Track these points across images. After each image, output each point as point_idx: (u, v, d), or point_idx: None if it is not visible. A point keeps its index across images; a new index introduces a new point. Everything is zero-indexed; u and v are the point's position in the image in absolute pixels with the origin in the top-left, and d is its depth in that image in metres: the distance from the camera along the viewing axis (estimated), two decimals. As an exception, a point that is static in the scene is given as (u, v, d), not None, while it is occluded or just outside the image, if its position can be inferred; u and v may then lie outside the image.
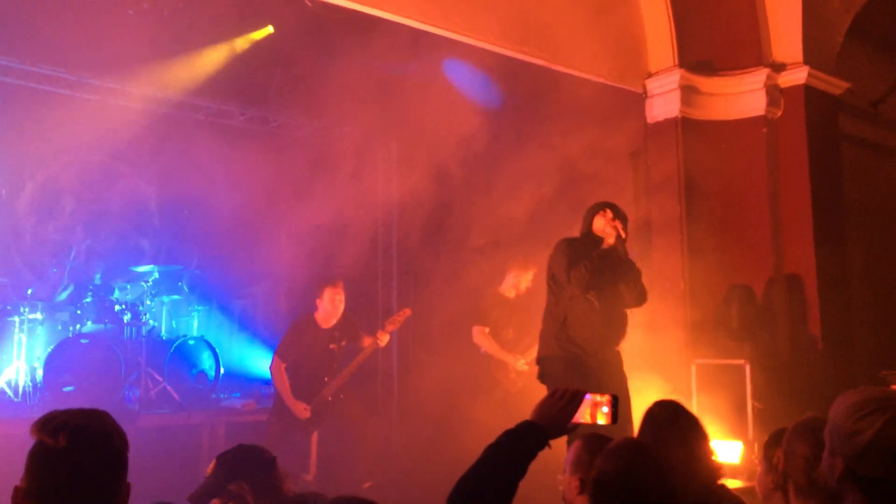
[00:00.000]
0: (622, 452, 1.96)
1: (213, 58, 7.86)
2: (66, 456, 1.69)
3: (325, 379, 6.24)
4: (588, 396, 2.09)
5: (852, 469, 1.57)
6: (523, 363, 6.60)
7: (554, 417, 2.03)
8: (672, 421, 2.77)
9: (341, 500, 1.93)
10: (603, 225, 4.95)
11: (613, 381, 4.87)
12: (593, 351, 4.85)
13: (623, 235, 4.85)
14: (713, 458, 2.83)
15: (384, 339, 6.31)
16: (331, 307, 6.25)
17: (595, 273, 4.75)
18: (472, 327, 6.80)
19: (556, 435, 2.03)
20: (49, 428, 1.73)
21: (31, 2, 7.07)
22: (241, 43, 7.97)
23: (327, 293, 6.24)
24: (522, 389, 6.60)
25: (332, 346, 6.27)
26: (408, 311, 6.74)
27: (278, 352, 6.18)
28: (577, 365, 4.78)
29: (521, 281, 6.78)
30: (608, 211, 4.99)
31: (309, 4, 6.38)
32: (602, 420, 2.07)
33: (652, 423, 2.79)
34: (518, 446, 1.96)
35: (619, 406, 2.19)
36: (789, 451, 2.17)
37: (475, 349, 7.13)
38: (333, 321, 6.30)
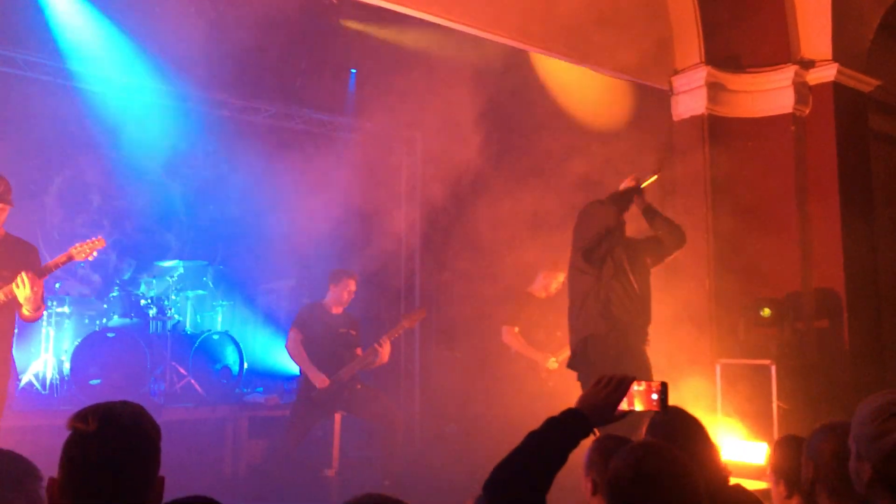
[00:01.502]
0: (637, 453, 1.93)
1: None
2: (97, 439, 1.71)
3: (346, 356, 6.27)
4: (636, 384, 2.03)
5: (880, 472, 1.54)
6: (554, 362, 6.62)
7: (599, 405, 1.99)
8: (673, 426, 2.74)
9: (364, 499, 1.93)
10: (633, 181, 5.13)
11: (639, 358, 4.91)
12: (634, 327, 4.89)
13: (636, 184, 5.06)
14: (719, 458, 2.80)
15: (385, 349, 6.27)
16: (345, 296, 6.38)
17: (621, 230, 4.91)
18: (502, 327, 6.82)
19: (602, 423, 2.00)
20: (81, 415, 1.76)
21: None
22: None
23: (345, 282, 6.35)
24: (553, 389, 6.61)
25: (342, 329, 6.35)
26: (423, 312, 6.83)
27: (294, 325, 6.29)
28: (618, 345, 4.78)
29: (552, 283, 6.81)
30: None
31: (334, 1, 6.39)
32: (650, 407, 2.01)
33: (653, 429, 2.77)
34: (560, 434, 1.93)
35: (637, 413, 2.15)
36: (816, 454, 2.13)
37: (499, 347, 7.12)
38: (341, 309, 6.41)
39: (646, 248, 5.15)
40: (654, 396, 2.02)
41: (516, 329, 6.73)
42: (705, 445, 2.70)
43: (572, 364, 5.01)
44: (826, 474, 2.06)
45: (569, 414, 1.98)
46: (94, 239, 5.00)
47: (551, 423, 1.96)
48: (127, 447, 1.73)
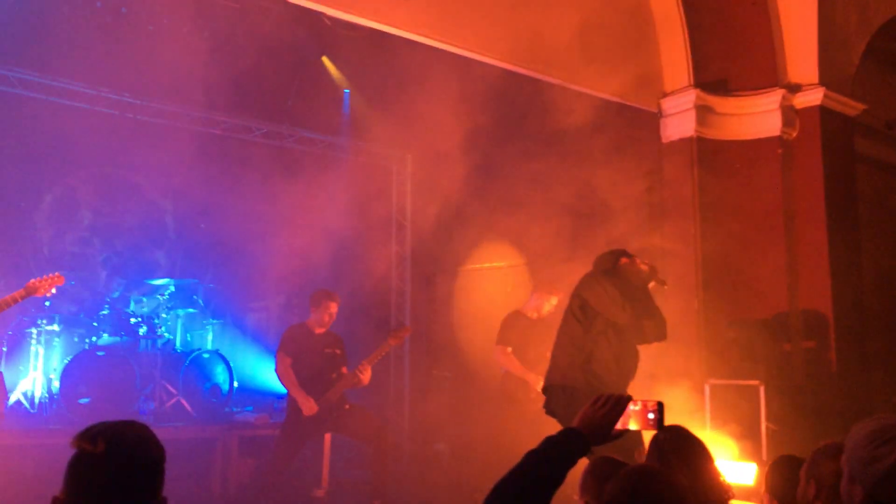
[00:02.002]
0: (632, 477, 1.96)
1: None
2: (105, 461, 1.72)
3: (333, 376, 6.25)
4: (632, 403, 2.07)
5: (872, 496, 1.57)
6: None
7: (597, 424, 2.02)
8: (677, 445, 2.78)
9: None
10: (629, 266, 5.09)
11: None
12: (612, 384, 4.86)
13: (652, 270, 5.08)
14: (721, 479, 2.84)
15: (367, 373, 6.25)
16: (326, 317, 6.37)
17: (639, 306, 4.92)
18: (495, 346, 6.81)
19: (599, 442, 2.03)
20: (88, 435, 1.77)
21: (51, 17, 7.18)
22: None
23: (325, 304, 6.34)
24: (542, 409, 6.61)
25: (327, 350, 6.34)
26: (408, 330, 6.88)
27: (281, 349, 6.26)
28: (587, 389, 4.77)
29: (545, 304, 6.81)
30: (634, 257, 5.16)
31: (328, 23, 6.44)
32: (646, 426, 2.05)
33: (657, 448, 2.80)
34: (558, 452, 1.96)
35: (632, 435, 2.17)
36: (818, 474, 2.16)
37: (489, 367, 7.14)
38: (324, 329, 6.41)
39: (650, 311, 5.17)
40: (651, 416, 2.06)
41: (509, 349, 6.74)
42: (708, 464, 2.74)
43: (548, 408, 5.01)
44: (827, 494, 2.09)
45: (567, 433, 2.02)
46: (52, 275, 5.04)
47: (550, 441, 1.99)
48: (133, 469, 1.75)
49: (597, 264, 5.20)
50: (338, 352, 6.40)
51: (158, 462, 1.82)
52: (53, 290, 5.00)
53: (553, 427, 6.09)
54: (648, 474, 1.99)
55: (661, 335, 5.14)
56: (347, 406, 6.27)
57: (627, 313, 4.84)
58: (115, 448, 1.75)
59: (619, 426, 2.05)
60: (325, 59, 8.41)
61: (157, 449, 1.83)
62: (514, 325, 6.80)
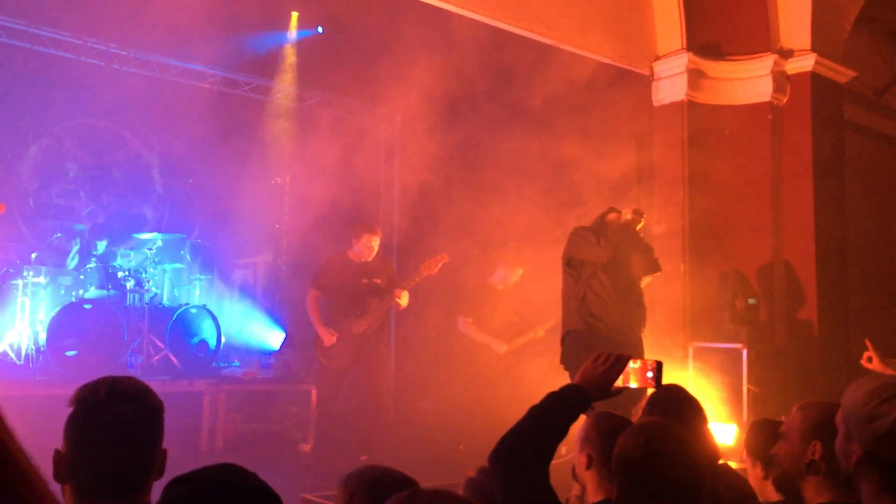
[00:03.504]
0: (645, 432, 2.01)
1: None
2: (107, 408, 1.73)
3: (357, 312, 6.24)
4: (632, 361, 2.12)
5: (871, 454, 1.61)
6: (505, 348, 6.98)
7: (597, 380, 2.08)
8: (674, 404, 2.83)
9: (366, 471, 1.98)
10: (616, 217, 5.29)
11: (630, 344, 5.08)
12: (614, 324, 5.01)
13: (637, 214, 5.22)
14: (713, 440, 2.90)
15: (404, 297, 6.27)
16: (365, 250, 6.32)
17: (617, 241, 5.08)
18: (458, 317, 7.10)
19: (599, 398, 2.09)
20: (88, 388, 1.78)
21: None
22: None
23: (365, 237, 6.31)
24: (504, 374, 6.85)
25: (364, 280, 6.29)
26: (445, 257, 6.52)
27: (313, 283, 6.33)
28: (599, 340, 4.89)
29: (511, 276, 7.14)
30: (622, 211, 5.34)
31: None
32: (644, 384, 2.11)
33: (652, 405, 2.85)
34: (561, 407, 2.03)
35: (631, 393, 2.21)
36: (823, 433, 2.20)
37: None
38: (366, 260, 6.36)
39: (636, 246, 5.34)
40: (650, 374, 2.11)
41: (470, 319, 7.04)
42: (702, 425, 2.79)
43: (561, 360, 5.21)
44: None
45: (570, 388, 2.08)
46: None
47: (553, 396, 2.06)
48: (136, 417, 1.76)
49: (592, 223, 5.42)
50: (378, 281, 6.33)
51: (159, 411, 1.84)
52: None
53: (518, 386, 6.25)
54: (664, 431, 2.04)
55: (651, 266, 5.35)
56: (374, 339, 6.26)
57: (603, 249, 5.05)
58: (117, 396, 1.76)
59: (618, 383, 2.10)
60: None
61: (156, 399, 1.85)
62: (481, 296, 7.15)
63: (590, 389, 2.07)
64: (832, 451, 1.80)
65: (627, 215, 5.23)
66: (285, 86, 8.61)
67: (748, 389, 6.26)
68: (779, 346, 6.98)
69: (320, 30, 8.28)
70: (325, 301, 6.31)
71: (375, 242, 6.34)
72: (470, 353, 7.29)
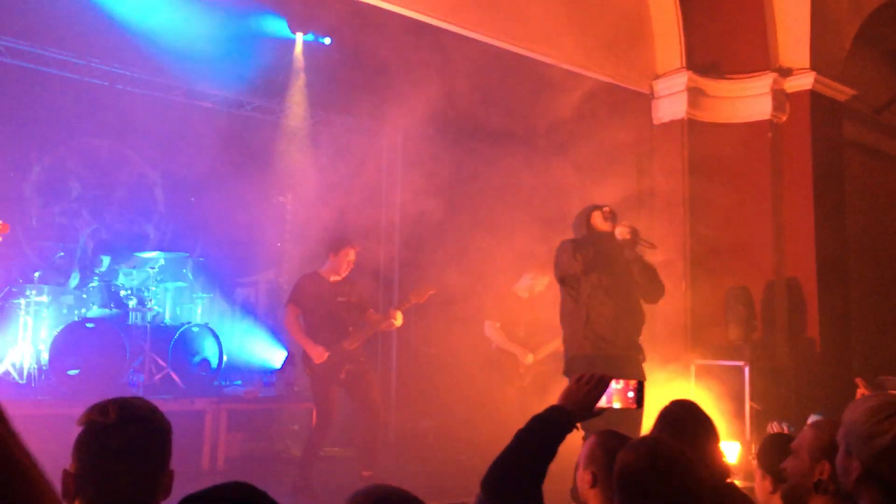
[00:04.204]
0: (646, 446, 2.03)
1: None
2: (116, 429, 1.76)
3: (349, 329, 6.12)
4: (614, 382, 2.14)
5: (871, 471, 1.62)
6: (531, 357, 6.87)
7: (580, 401, 2.10)
8: (688, 420, 2.82)
9: (374, 490, 1.98)
10: (601, 220, 5.05)
11: (629, 370, 4.98)
12: (622, 345, 4.93)
13: (635, 234, 4.92)
14: (723, 458, 2.89)
15: (398, 317, 6.14)
16: (343, 265, 6.19)
17: (600, 256, 4.87)
18: (485, 321, 7.00)
19: (583, 418, 2.11)
20: (98, 408, 1.80)
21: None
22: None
23: (346, 251, 6.17)
24: (530, 384, 6.79)
25: (340, 298, 6.17)
26: (433, 289, 6.45)
27: (290, 300, 6.12)
28: (609, 362, 4.78)
29: (536, 284, 7.03)
30: (606, 208, 5.11)
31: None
32: (626, 404, 2.13)
33: (665, 420, 2.84)
34: (547, 429, 2.05)
35: (632, 413, 2.23)
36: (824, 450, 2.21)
37: (477, 344, 7.24)
38: (339, 278, 6.24)
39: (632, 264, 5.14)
40: (630, 394, 2.13)
41: (498, 324, 6.91)
42: (713, 443, 2.78)
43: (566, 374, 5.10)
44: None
45: (553, 410, 2.10)
46: None
47: (538, 419, 2.08)
48: (145, 437, 1.78)
49: (575, 230, 5.22)
50: (353, 300, 6.24)
51: (167, 432, 1.86)
52: None
53: (536, 402, 6.22)
54: (665, 445, 2.05)
55: (657, 294, 5.11)
56: (362, 360, 6.14)
57: (578, 263, 4.84)
58: (127, 416, 1.78)
59: (601, 404, 2.12)
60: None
61: (164, 420, 1.88)
62: (506, 303, 6.99)
63: (574, 410, 2.08)
64: None
65: (625, 232, 4.92)
66: (288, 105, 8.67)
67: (751, 407, 6.25)
68: (781, 363, 6.98)
69: (328, 41, 8.32)
70: (303, 320, 6.15)
71: (354, 257, 6.24)
72: (481, 368, 7.23)
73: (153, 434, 1.80)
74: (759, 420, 6.18)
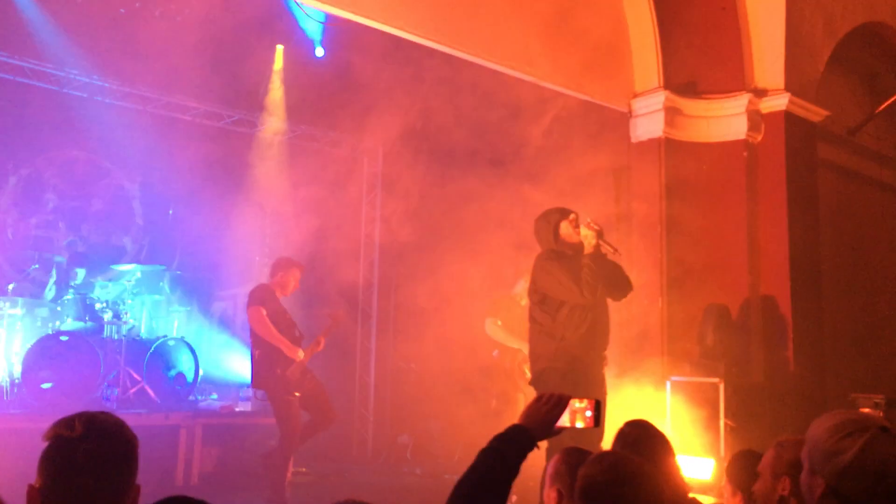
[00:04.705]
0: (607, 459, 2.05)
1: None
2: (83, 443, 1.74)
3: (302, 342, 6.12)
4: (573, 400, 2.17)
5: (834, 488, 1.64)
6: None
7: (540, 421, 2.14)
8: (642, 439, 2.86)
9: None
10: (571, 230, 5.03)
11: (597, 384, 5.00)
12: (593, 361, 4.96)
13: (599, 235, 4.93)
14: (681, 474, 2.94)
15: (322, 343, 6.18)
16: (291, 284, 6.25)
17: (597, 277, 4.87)
18: (485, 319, 6.96)
19: (543, 437, 2.14)
20: (64, 423, 1.79)
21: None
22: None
23: (294, 271, 6.25)
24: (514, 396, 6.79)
25: (288, 314, 6.23)
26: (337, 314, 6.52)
27: (256, 302, 6.02)
28: (571, 373, 4.84)
29: None
30: (573, 216, 5.07)
31: (305, 12, 6.43)
32: (584, 423, 2.16)
33: (623, 441, 2.88)
34: (508, 448, 2.07)
35: (595, 430, 2.25)
36: (792, 469, 2.24)
37: (452, 361, 7.25)
38: (285, 296, 6.30)
39: (610, 275, 5.14)
40: (588, 413, 2.16)
41: (499, 322, 6.92)
42: (669, 458, 2.82)
43: (537, 387, 5.06)
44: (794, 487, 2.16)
45: (514, 430, 2.13)
46: None
47: (499, 438, 2.10)
48: (111, 452, 1.77)
49: (540, 239, 5.16)
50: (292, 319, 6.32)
51: (134, 447, 1.85)
52: None
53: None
54: (626, 458, 2.07)
55: (626, 287, 5.13)
56: (310, 374, 6.16)
57: (583, 294, 4.83)
58: (92, 431, 1.77)
59: (559, 423, 2.16)
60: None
61: (131, 434, 1.87)
62: (504, 305, 6.99)
63: (534, 429, 2.11)
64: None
65: (592, 242, 4.90)
66: (268, 118, 8.67)
67: (725, 424, 6.28)
68: (755, 381, 7.03)
69: (321, 53, 8.33)
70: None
71: (299, 276, 6.33)
72: (457, 380, 7.22)
73: (119, 449, 1.79)
74: (734, 437, 6.21)
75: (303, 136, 9.12)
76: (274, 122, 8.72)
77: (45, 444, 1.77)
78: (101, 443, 1.76)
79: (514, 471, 2.04)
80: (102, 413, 1.86)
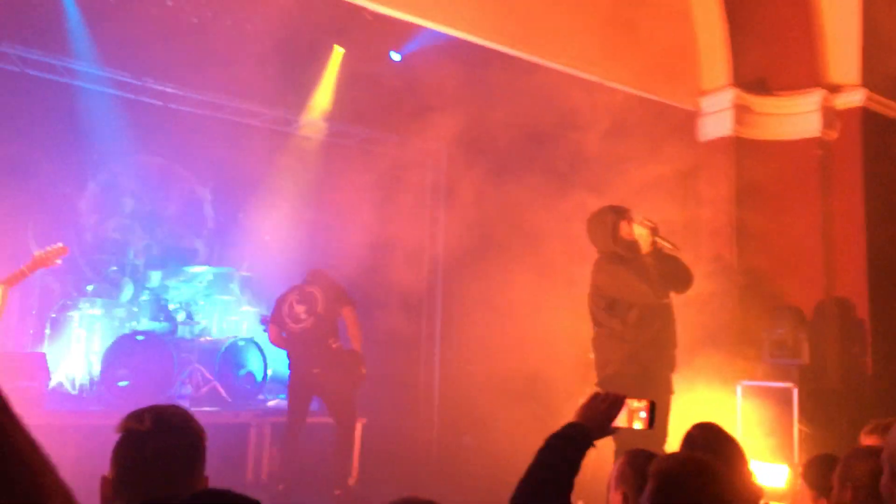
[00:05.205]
0: (681, 455, 2.02)
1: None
2: (152, 437, 1.80)
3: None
4: (628, 400, 2.15)
5: None
6: None
7: (597, 419, 2.13)
8: (711, 443, 2.79)
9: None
10: (629, 230, 4.91)
11: (665, 387, 4.90)
12: (659, 361, 4.87)
13: (654, 231, 4.82)
14: (754, 480, 2.85)
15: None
16: None
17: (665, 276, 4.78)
18: None
19: (600, 436, 2.13)
20: (134, 416, 1.85)
21: (100, 9, 7.33)
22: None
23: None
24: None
25: None
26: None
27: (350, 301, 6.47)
28: (642, 376, 4.74)
29: None
30: (629, 215, 4.94)
31: (369, 18, 6.51)
32: (639, 425, 2.14)
33: (691, 444, 2.81)
34: (567, 446, 2.06)
35: (658, 432, 2.21)
36: (854, 476, 2.17)
37: (517, 363, 7.23)
38: None
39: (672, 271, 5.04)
40: (643, 414, 2.14)
41: None
42: (741, 464, 2.75)
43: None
44: (865, 496, 2.10)
45: (571, 427, 2.12)
46: (55, 246, 5.16)
47: (557, 436, 2.09)
48: (179, 445, 1.83)
49: (596, 242, 5.04)
50: None
51: (201, 440, 1.90)
52: (59, 261, 5.15)
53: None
54: (698, 456, 2.04)
55: (688, 283, 4.95)
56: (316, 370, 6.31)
57: (655, 293, 4.74)
58: (161, 424, 1.83)
59: (615, 423, 2.14)
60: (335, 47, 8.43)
61: (199, 427, 1.92)
62: None
63: (591, 427, 2.10)
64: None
65: (643, 225, 4.79)
66: (332, 124, 8.79)
67: (799, 430, 6.11)
68: (831, 385, 6.82)
69: (398, 57, 8.39)
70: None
71: None
72: (514, 388, 7.20)
73: (187, 442, 1.85)
74: (808, 443, 6.04)
75: (367, 140, 9.21)
76: (337, 127, 8.84)
77: (117, 437, 1.83)
78: (170, 436, 1.82)
79: (574, 469, 2.03)
80: (172, 406, 1.92)
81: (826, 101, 7.18)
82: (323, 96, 8.63)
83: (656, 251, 4.85)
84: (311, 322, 6.35)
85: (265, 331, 6.62)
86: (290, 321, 6.36)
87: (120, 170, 8.26)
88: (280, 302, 6.48)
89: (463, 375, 9.10)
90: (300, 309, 6.39)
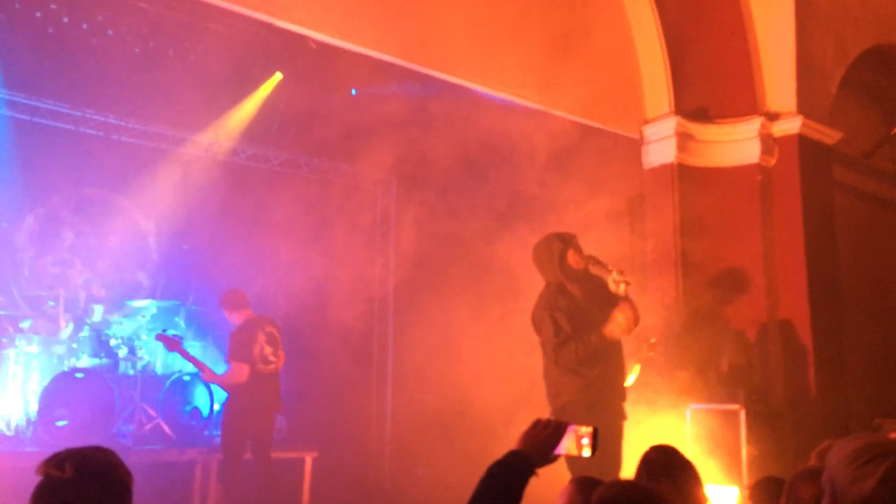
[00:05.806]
0: (621, 484, 2.00)
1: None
2: (72, 485, 1.71)
3: None
4: (571, 427, 2.12)
5: None
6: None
7: (539, 446, 2.09)
8: (668, 465, 2.80)
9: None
10: (577, 258, 4.80)
11: (618, 415, 4.87)
12: (616, 390, 4.83)
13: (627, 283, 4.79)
14: (707, 500, 2.87)
15: None
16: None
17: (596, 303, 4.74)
18: None
19: (542, 464, 2.10)
20: (54, 461, 1.76)
21: (36, 39, 7.19)
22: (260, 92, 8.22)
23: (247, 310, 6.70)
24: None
25: None
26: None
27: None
28: (597, 409, 4.64)
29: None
30: (576, 242, 4.85)
31: (314, 47, 6.51)
32: (585, 452, 2.11)
33: (649, 468, 2.82)
34: (509, 474, 2.02)
35: (609, 442, 2.19)
36: (793, 498, 2.19)
37: (472, 392, 7.19)
38: None
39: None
40: (585, 441, 2.11)
41: None
42: (696, 487, 2.76)
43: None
44: None
45: (513, 455, 2.08)
46: None
47: (498, 464, 2.06)
48: (102, 494, 1.74)
49: (543, 270, 4.92)
50: None
51: (127, 487, 1.82)
52: None
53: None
54: (639, 485, 2.02)
55: (632, 325, 4.78)
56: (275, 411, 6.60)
57: (604, 324, 4.67)
58: (83, 473, 1.74)
59: (557, 450, 2.11)
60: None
61: (125, 473, 1.83)
62: None
63: (532, 455, 2.07)
64: None
65: (583, 259, 4.76)
66: (278, 152, 8.72)
67: (747, 451, 6.17)
68: (776, 408, 6.92)
69: (353, 92, 8.37)
70: None
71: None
72: (467, 419, 7.15)
73: (111, 491, 1.76)
74: (755, 465, 6.10)
75: (315, 169, 9.15)
76: (284, 156, 8.77)
77: (37, 480, 1.74)
78: (92, 485, 1.73)
79: (516, 497, 1.99)
80: (96, 450, 1.83)
81: (764, 129, 7.36)
82: (244, 120, 8.49)
83: (625, 295, 4.76)
84: (277, 364, 6.47)
85: (168, 349, 6.48)
86: (261, 363, 6.28)
87: (59, 203, 8.06)
88: (250, 341, 6.35)
89: (416, 403, 9.02)
90: (268, 350, 6.41)
